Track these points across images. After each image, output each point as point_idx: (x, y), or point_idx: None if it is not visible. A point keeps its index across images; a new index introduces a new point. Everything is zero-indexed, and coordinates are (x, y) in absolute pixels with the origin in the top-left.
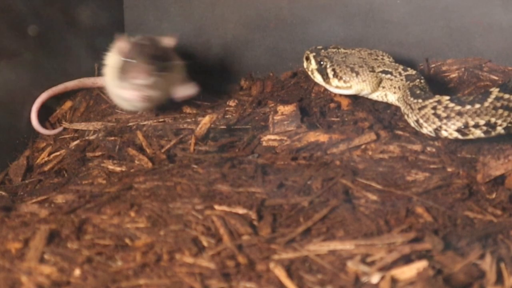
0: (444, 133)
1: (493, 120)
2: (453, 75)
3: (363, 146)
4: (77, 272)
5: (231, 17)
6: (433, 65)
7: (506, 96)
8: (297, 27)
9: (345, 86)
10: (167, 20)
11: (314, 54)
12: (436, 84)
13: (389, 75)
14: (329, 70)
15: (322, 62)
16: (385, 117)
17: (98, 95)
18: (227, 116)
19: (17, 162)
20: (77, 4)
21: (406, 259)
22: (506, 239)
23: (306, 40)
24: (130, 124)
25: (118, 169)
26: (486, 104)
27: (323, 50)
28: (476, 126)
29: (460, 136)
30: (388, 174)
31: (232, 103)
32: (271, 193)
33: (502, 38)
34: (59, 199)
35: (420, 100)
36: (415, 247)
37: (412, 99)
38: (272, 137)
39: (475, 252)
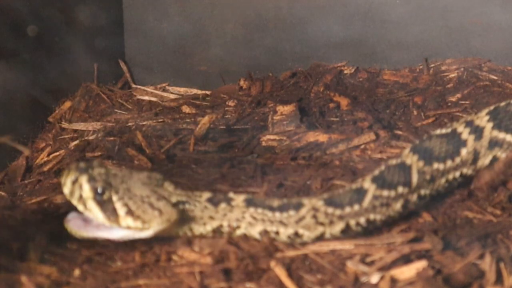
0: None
1: None
2: (452, 75)
3: (362, 146)
4: (77, 272)
5: (230, 17)
6: (432, 65)
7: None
8: (296, 27)
9: (141, 226)
10: (167, 20)
11: (86, 176)
12: (435, 84)
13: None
14: (118, 205)
15: (102, 192)
16: (385, 117)
17: (98, 95)
18: (227, 116)
19: (16, 162)
20: (76, 4)
21: (406, 259)
22: (506, 239)
23: (305, 40)
24: (129, 124)
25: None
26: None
27: (93, 170)
28: None
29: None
30: None
31: (231, 103)
32: (270, 193)
33: (501, 38)
34: (59, 199)
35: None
36: (414, 247)
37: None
38: (272, 137)
39: (475, 252)
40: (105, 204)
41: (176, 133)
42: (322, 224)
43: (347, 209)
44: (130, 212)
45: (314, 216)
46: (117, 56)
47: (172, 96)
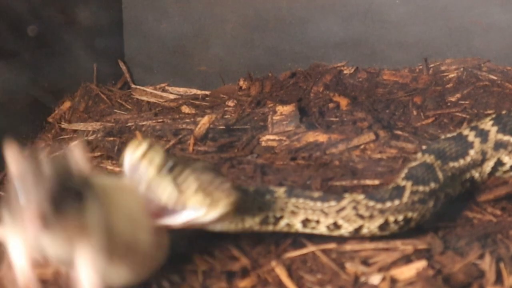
0: None
1: None
2: (452, 75)
3: (362, 146)
4: None
5: (230, 17)
6: (432, 65)
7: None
8: (296, 27)
9: (209, 203)
10: (166, 20)
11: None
12: (435, 84)
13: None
14: (190, 179)
15: (174, 166)
16: (384, 117)
17: (97, 95)
18: (226, 116)
19: None
20: (76, 4)
21: (406, 259)
22: (506, 239)
23: (305, 40)
24: (129, 124)
25: (117, 169)
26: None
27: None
28: None
29: None
30: (387, 174)
31: (231, 103)
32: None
33: (501, 38)
34: None
35: None
36: (414, 247)
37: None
38: (271, 137)
39: (475, 252)
40: (174, 179)
41: (176, 133)
42: (362, 217)
43: (388, 204)
44: (201, 188)
45: (355, 208)
46: (117, 56)
47: (172, 96)
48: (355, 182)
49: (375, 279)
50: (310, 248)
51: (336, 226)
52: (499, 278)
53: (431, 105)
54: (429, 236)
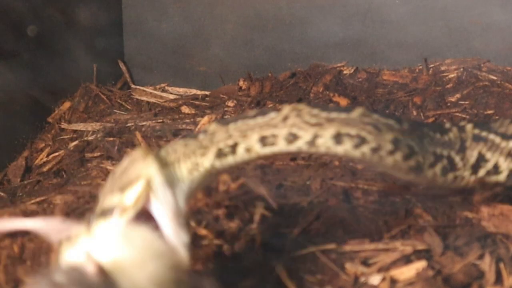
0: None
1: None
2: (451, 75)
3: None
4: None
5: (230, 18)
6: (431, 65)
7: None
8: (296, 27)
9: None
10: (166, 21)
11: None
12: (435, 84)
13: None
14: None
15: None
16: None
17: (97, 95)
18: (226, 117)
19: (15, 163)
20: (76, 4)
21: (405, 260)
22: (505, 239)
23: (305, 40)
24: (128, 124)
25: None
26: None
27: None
28: None
29: None
30: (387, 174)
31: (230, 103)
32: (269, 193)
33: (501, 38)
34: (58, 199)
35: None
36: (414, 247)
37: None
38: None
39: (474, 252)
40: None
41: (176, 133)
42: (310, 124)
43: (334, 114)
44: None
45: (299, 116)
46: (116, 56)
47: (172, 97)
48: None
49: (375, 279)
50: (310, 248)
51: (294, 136)
52: (499, 279)
53: (431, 105)
54: (428, 236)
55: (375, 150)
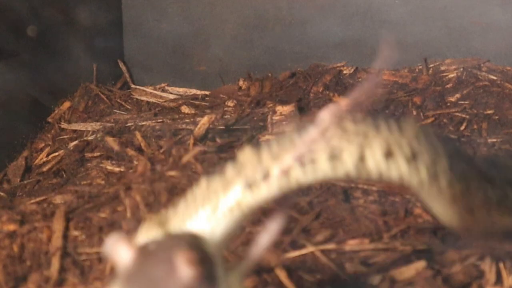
0: None
1: None
2: (451, 75)
3: None
4: None
5: (229, 18)
6: (431, 65)
7: None
8: (295, 27)
9: None
10: (166, 21)
11: None
12: (435, 84)
13: None
14: None
15: None
16: (384, 117)
17: (97, 95)
18: (226, 117)
19: (15, 163)
20: (75, 4)
21: (405, 260)
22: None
23: (305, 40)
24: (128, 124)
25: (116, 169)
26: None
27: None
28: None
29: None
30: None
31: (230, 103)
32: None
33: (501, 38)
34: (58, 199)
35: None
36: (414, 247)
37: None
38: (271, 137)
39: (474, 252)
40: None
41: (176, 133)
42: None
43: None
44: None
45: None
46: (116, 56)
47: (171, 97)
48: (353, 183)
49: (375, 279)
50: (310, 248)
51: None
52: (499, 279)
53: (430, 105)
54: (428, 236)
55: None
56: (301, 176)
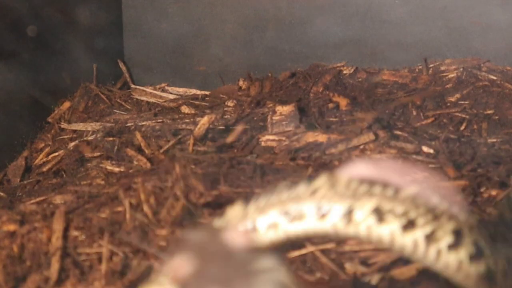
0: None
1: None
2: (451, 75)
3: (361, 146)
4: None
5: (229, 18)
6: (431, 65)
7: None
8: (295, 27)
9: None
10: (166, 21)
11: None
12: (435, 84)
13: None
14: None
15: None
16: (384, 117)
17: (97, 95)
18: (226, 117)
19: (15, 163)
20: (75, 4)
21: (405, 260)
22: None
23: (304, 40)
24: (128, 124)
25: (116, 169)
26: None
27: None
28: None
29: None
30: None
31: (230, 103)
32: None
33: (501, 38)
34: (58, 199)
35: None
36: None
37: None
38: (271, 137)
39: None
40: None
41: (175, 133)
42: None
43: None
44: None
45: None
46: (116, 56)
47: (171, 97)
48: None
49: (375, 279)
50: (310, 248)
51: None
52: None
53: (430, 105)
54: None
55: (430, 238)
56: (289, 230)
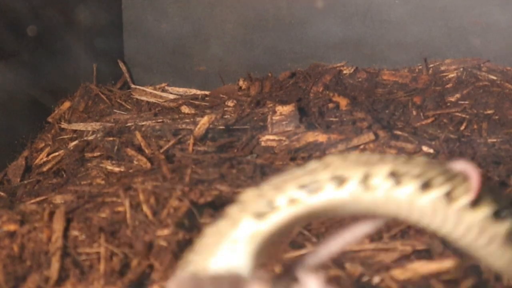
0: None
1: None
2: (451, 75)
3: (361, 146)
4: None
5: (229, 18)
6: (431, 65)
7: None
8: (295, 27)
9: None
10: (166, 21)
11: None
12: (435, 84)
13: None
14: None
15: None
16: (384, 117)
17: (97, 95)
18: (226, 117)
19: (15, 163)
20: (75, 4)
21: (405, 260)
22: None
23: (304, 40)
24: (128, 124)
25: (116, 169)
26: None
27: None
28: None
29: None
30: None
31: (230, 103)
32: None
33: (501, 38)
34: (58, 199)
35: None
36: (414, 247)
37: None
38: (271, 137)
39: None
40: None
41: (175, 133)
42: None
43: None
44: None
45: None
46: (116, 56)
47: (171, 96)
48: None
49: (375, 279)
50: (310, 248)
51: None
52: (498, 278)
53: (430, 105)
54: (428, 236)
55: (449, 196)
56: (309, 202)
